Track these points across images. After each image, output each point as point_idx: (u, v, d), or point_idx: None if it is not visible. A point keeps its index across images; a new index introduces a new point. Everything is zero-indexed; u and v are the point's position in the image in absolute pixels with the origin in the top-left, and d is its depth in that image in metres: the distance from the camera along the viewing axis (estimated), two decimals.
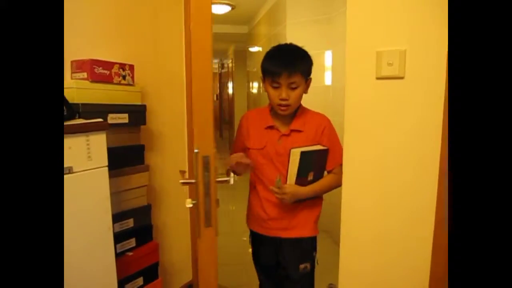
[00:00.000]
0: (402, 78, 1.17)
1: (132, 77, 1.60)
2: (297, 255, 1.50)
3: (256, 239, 1.60)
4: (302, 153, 1.32)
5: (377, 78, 1.21)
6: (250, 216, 1.60)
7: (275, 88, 1.36)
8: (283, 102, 1.35)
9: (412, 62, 1.15)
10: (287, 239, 1.49)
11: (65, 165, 1.18)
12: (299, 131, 1.42)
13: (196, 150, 0.99)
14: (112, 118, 1.49)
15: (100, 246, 1.33)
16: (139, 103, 1.65)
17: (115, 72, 1.52)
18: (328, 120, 1.47)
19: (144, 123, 1.68)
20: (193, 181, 1.03)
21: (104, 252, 1.35)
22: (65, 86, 1.45)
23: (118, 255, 1.50)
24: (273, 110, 1.46)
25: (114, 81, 1.53)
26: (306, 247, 1.52)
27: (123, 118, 1.54)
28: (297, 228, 1.48)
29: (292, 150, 1.33)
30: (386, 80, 1.20)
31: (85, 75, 1.45)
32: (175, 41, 2.02)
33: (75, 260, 1.24)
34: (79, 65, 1.47)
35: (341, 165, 1.32)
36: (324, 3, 3.26)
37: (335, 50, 3.19)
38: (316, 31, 3.29)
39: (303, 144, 1.39)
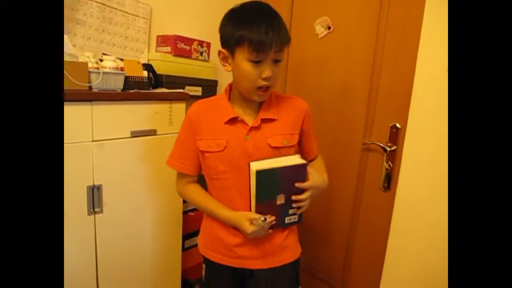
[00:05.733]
0: None
1: (208, 54, 1.74)
2: None
3: (214, 271, 1.16)
4: (259, 173, 0.94)
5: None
6: (206, 240, 1.18)
7: (255, 64, 0.95)
8: (267, 83, 0.98)
9: None
10: (262, 271, 1.11)
11: (150, 128, 1.36)
12: (272, 119, 1.05)
13: None
14: (188, 90, 1.64)
15: (172, 201, 1.52)
16: (212, 78, 1.79)
17: (194, 48, 1.67)
18: (307, 105, 1.14)
19: None
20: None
21: (175, 207, 1.53)
22: (151, 58, 1.63)
23: (184, 213, 1.67)
24: (234, 96, 1.08)
25: (193, 56, 1.67)
26: (289, 279, 1.15)
27: (197, 91, 1.69)
28: (276, 254, 1.11)
29: (251, 164, 0.98)
30: None
31: (168, 49, 1.61)
32: None
33: (150, 209, 1.43)
34: (164, 40, 1.63)
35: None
36: None
37: None
38: None
39: (280, 137, 1.05)
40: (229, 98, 1.08)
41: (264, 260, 1.10)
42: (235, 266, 1.11)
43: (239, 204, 1.05)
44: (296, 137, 1.09)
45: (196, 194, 1.13)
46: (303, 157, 1.11)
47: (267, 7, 1.00)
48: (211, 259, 1.14)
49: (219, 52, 1.02)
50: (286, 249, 1.13)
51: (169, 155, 1.15)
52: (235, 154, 1.03)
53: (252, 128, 1.03)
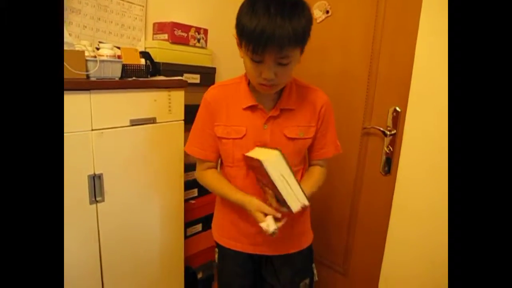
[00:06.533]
0: None
1: (206, 41, 1.72)
2: (293, 272, 1.15)
3: (228, 257, 1.17)
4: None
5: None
6: (222, 228, 1.17)
7: (255, 62, 0.89)
8: (267, 83, 0.92)
9: None
10: (278, 256, 1.13)
11: (149, 116, 1.35)
12: (291, 109, 1.02)
13: None
14: (186, 78, 1.63)
15: (173, 189, 1.52)
16: (210, 65, 1.78)
17: (191, 35, 1.65)
18: (328, 98, 1.08)
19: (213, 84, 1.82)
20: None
21: (176, 195, 1.54)
22: (148, 46, 1.61)
23: (186, 201, 1.68)
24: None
25: (190, 43, 1.65)
26: (303, 261, 1.17)
27: (196, 78, 1.68)
28: (292, 240, 1.12)
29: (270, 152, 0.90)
30: None
31: (165, 36, 1.59)
32: None
33: (151, 197, 1.44)
34: (160, 27, 1.61)
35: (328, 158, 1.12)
36: None
37: None
38: None
39: (297, 128, 1.03)
40: (248, 83, 1.03)
41: (283, 246, 1.11)
42: (253, 252, 1.12)
43: (252, 194, 1.02)
44: (313, 130, 1.05)
45: (212, 179, 1.11)
46: (310, 154, 1.12)
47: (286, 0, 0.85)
48: (227, 246, 1.14)
49: (235, 37, 0.94)
50: (303, 234, 1.16)
51: (188, 140, 1.12)
52: (251, 142, 1.01)
53: (271, 117, 1.01)
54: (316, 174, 1.12)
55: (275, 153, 0.88)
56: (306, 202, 0.89)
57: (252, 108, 1.01)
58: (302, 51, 0.94)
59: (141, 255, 1.45)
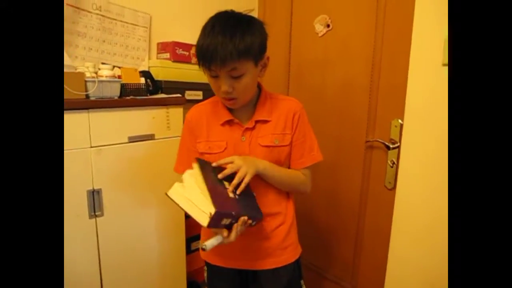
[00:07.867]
0: None
1: None
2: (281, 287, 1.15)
3: (216, 274, 1.18)
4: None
5: (443, 65, 1.20)
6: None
7: (213, 78, 0.98)
8: (227, 96, 0.99)
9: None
10: (264, 272, 1.13)
11: (148, 132, 1.39)
12: (266, 121, 1.06)
13: None
14: (189, 95, 1.68)
15: (173, 204, 1.54)
16: None
17: (193, 53, 1.70)
18: (301, 106, 1.12)
19: None
20: None
21: (177, 209, 1.54)
22: (151, 65, 1.67)
23: (187, 217, 1.70)
24: None
25: (192, 61, 1.70)
26: (291, 277, 1.16)
27: (198, 95, 1.72)
28: (276, 253, 1.12)
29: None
30: None
31: (168, 55, 1.65)
32: None
33: (151, 212, 1.47)
34: (163, 47, 1.67)
35: (310, 167, 1.12)
36: None
37: None
38: None
39: (272, 136, 1.06)
40: None
41: (266, 260, 1.11)
42: (238, 267, 1.13)
43: None
44: (289, 138, 1.08)
45: None
46: (290, 164, 1.11)
47: (230, 17, 0.96)
48: (213, 263, 1.15)
49: None
50: (288, 249, 1.14)
51: (176, 161, 1.16)
52: (232, 155, 1.03)
53: (247, 129, 1.05)
54: (292, 170, 1.12)
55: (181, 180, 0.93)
56: (212, 210, 0.86)
57: (229, 122, 1.07)
58: (260, 66, 1.01)
59: (142, 270, 1.47)
